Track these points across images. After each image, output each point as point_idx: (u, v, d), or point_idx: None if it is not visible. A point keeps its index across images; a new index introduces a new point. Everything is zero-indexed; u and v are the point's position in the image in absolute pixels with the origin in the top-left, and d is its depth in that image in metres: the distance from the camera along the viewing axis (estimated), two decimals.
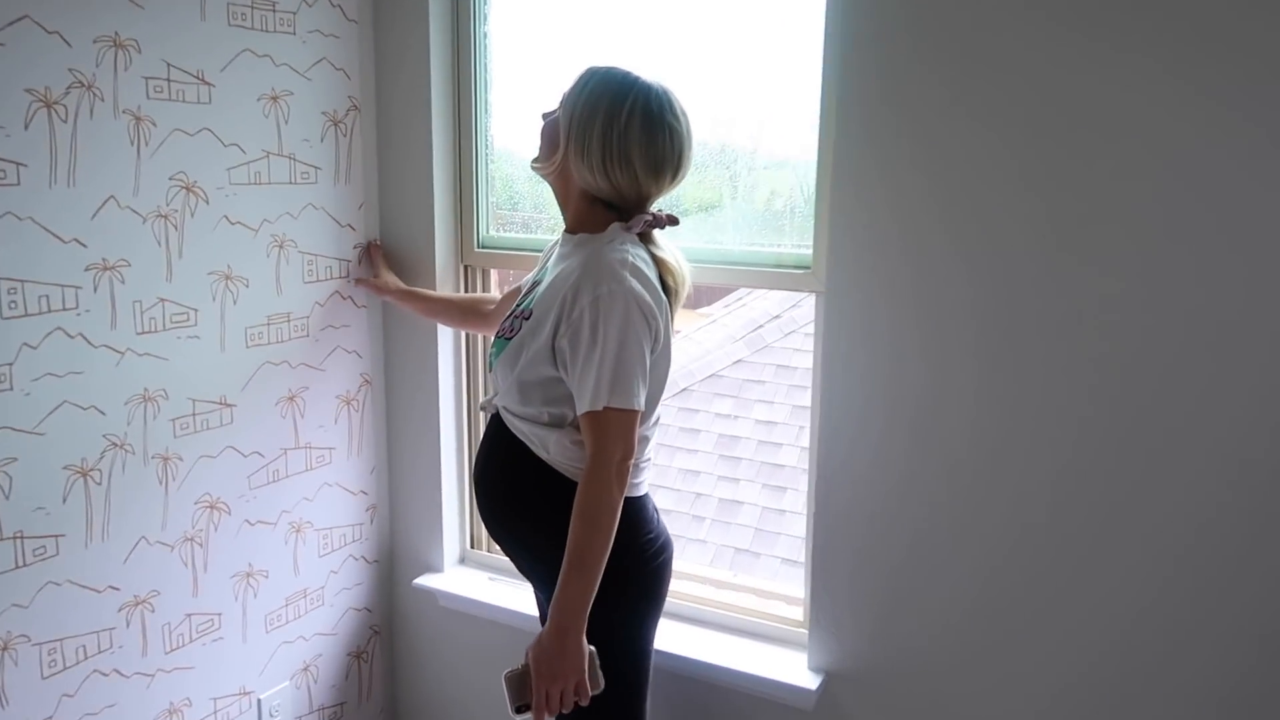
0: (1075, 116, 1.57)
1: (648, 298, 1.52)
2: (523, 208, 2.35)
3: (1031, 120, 1.61)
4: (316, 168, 2.16)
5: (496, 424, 1.70)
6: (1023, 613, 1.75)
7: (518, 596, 2.31)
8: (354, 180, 2.25)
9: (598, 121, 1.53)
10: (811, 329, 1.98)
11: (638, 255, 1.57)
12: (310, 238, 2.17)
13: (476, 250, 2.31)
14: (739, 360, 5.56)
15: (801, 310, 5.76)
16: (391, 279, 2.24)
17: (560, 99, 1.62)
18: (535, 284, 1.68)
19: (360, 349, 2.33)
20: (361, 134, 2.25)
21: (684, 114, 1.60)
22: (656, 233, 1.66)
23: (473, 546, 2.48)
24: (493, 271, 2.37)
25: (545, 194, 2.32)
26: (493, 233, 2.33)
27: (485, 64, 2.25)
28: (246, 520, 2.11)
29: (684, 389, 5.20)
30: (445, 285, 2.31)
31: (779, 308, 5.74)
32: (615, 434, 1.50)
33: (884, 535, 1.84)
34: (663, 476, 4.90)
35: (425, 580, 2.40)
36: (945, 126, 1.67)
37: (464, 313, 2.17)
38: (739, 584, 2.29)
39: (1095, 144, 1.57)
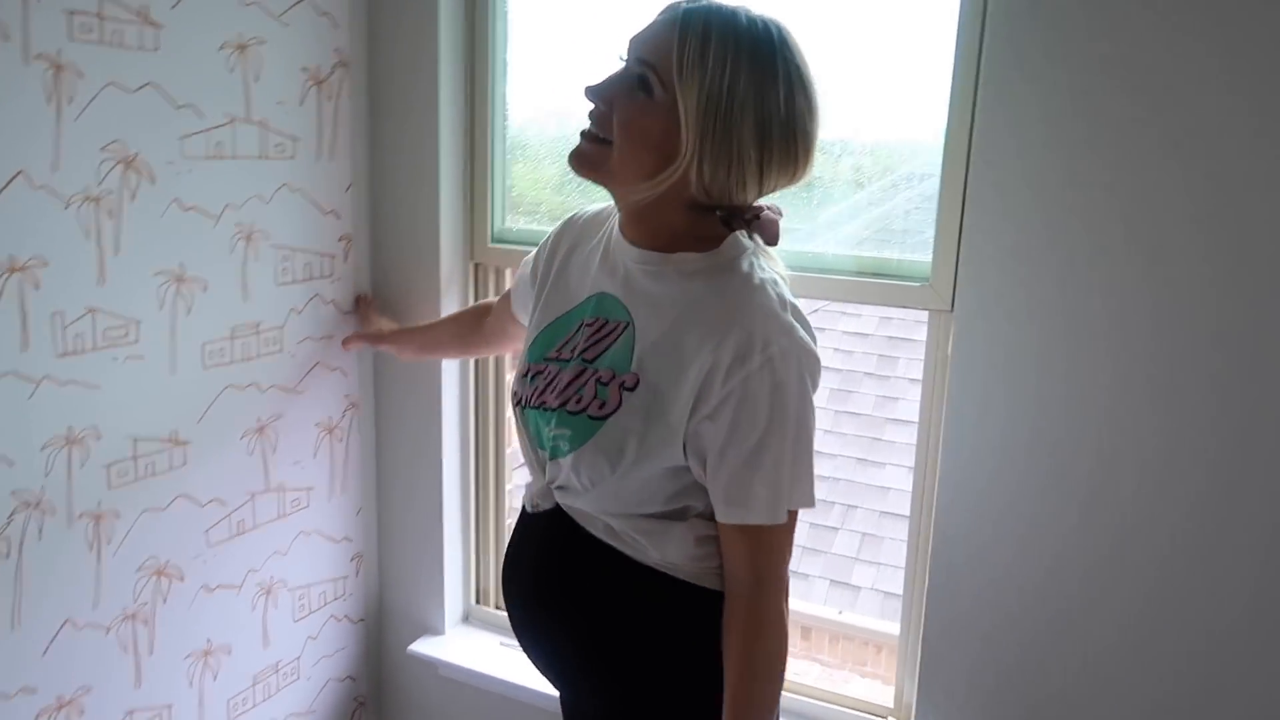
0: None
1: (815, 348, 1.07)
2: (548, 193, 1.92)
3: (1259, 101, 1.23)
4: (294, 139, 1.70)
5: (558, 524, 1.16)
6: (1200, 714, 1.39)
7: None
8: (340, 155, 1.80)
9: (749, 111, 0.98)
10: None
11: (777, 276, 1.10)
12: (285, 227, 1.71)
13: (490, 245, 1.88)
14: None
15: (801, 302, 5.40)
16: (385, 323, 1.79)
17: (655, 69, 1.00)
18: (601, 324, 1.12)
19: (345, 366, 1.89)
20: (350, 97, 1.80)
21: None
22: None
23: (479, 602, 2.06)
24: (507, 271, 1.94)
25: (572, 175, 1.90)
26: (509, 224, 1.90)
27: (504, 13, 1.81)
28: (204, 586, 1.67)
29: None
30: (451, 287, 1.87)
31: None
32: (787, 543, 1.09)
33: (1023, 628, 1.47)
34: None
35: (422, 646, 1.98)
36: (1140, 95, 1.28)
37: (461, 335, 1.68)
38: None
39: None
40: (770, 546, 1.07)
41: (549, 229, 1.87)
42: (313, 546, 1.88)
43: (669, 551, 1.11)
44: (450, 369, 1.90)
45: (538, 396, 1.15)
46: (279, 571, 1.82)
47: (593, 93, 1.06)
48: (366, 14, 1.80)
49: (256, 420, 1.72)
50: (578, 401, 1.09)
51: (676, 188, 1.03)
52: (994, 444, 1.44)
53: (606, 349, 1.11)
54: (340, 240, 1.83)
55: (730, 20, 1.01)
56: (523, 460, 1.25)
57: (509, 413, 1.99)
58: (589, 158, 1.08)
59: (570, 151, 1.10)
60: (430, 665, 1.98)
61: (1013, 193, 1.37)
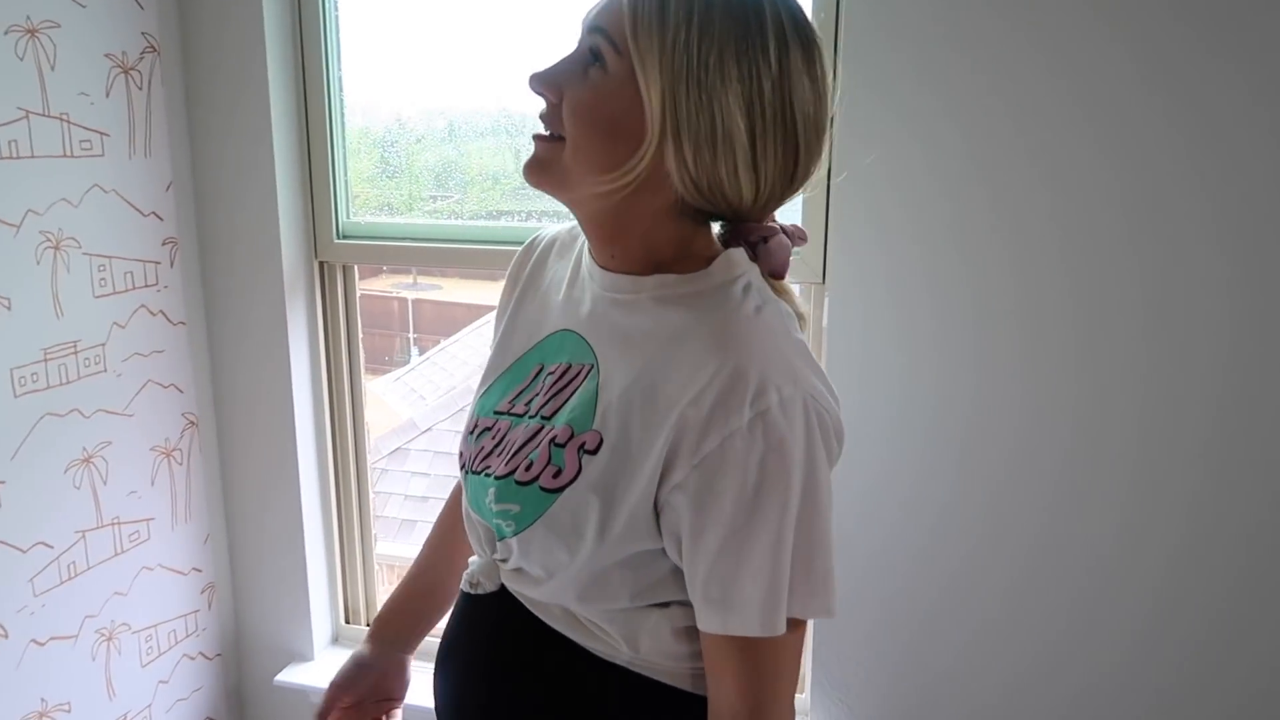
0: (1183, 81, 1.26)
1: (830, 399, 0.80)
2: (399, 181, 1.81)
3: (1124, 71, 1.28)
4: (102, 134, 1.53)
5: (503, 611, 0.90)
6: (1082, 678, 1.47)
7: (418, 683, 1.81)
8: (157, 151, 1.63)
9: (728, 65, 0.75)
10: None
11: (782, 310, 0.84)
12: (99, 233, 1.54)
13: (336, 242, 1.75)
14: None
15: None
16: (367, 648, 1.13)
17: (607, 33, 0.78)
18: (564, 370, 0.88)
19: (180, 381, 1.72)
20: (164, 85, 1.63)
21: None
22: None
23: (348, 621, 1.94)
24: (356, 269, 1.82)
25: (430, 161, 1.80)
26: (356, 218, 1.78)
27: None
28: (34, 640, 1.49)
29: None
30: (296, 289, 1.73)
31: None
32: (791, 661, 0.81)
33: (914, 589, 1.50)
34: None
35: (290, 675, 1.84)
36: (1003, 55, 1.32)
37: (451, 537, 1.12)
38: None
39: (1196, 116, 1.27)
40: (767, 667, 0.78)
41: (400, 220, 1.78)
42: (157, 582, 1.71)
43: (642, 645, 0.85)
44: (301, 367, 1.76)
45: (482, 459, 0.90)
46: (120, 614, 1.64)
47: (538, 82, 0.81)
48: None
49: (82, 450, 1.54)
50: (528, 469, 0.84)
51: (653, 186, 0.79)
52: (875, 412, 1.46)
53: (566, 401, 0.85)
54: (164, 244, 1.66)
55: None
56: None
57: (370, 415, 1.88)
58: (539, 160, 0.83)
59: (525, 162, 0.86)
60: (300, 694, 1.84)
61: (879, 159, 1.38)
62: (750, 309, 0.81)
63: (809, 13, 1.06)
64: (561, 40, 0.85)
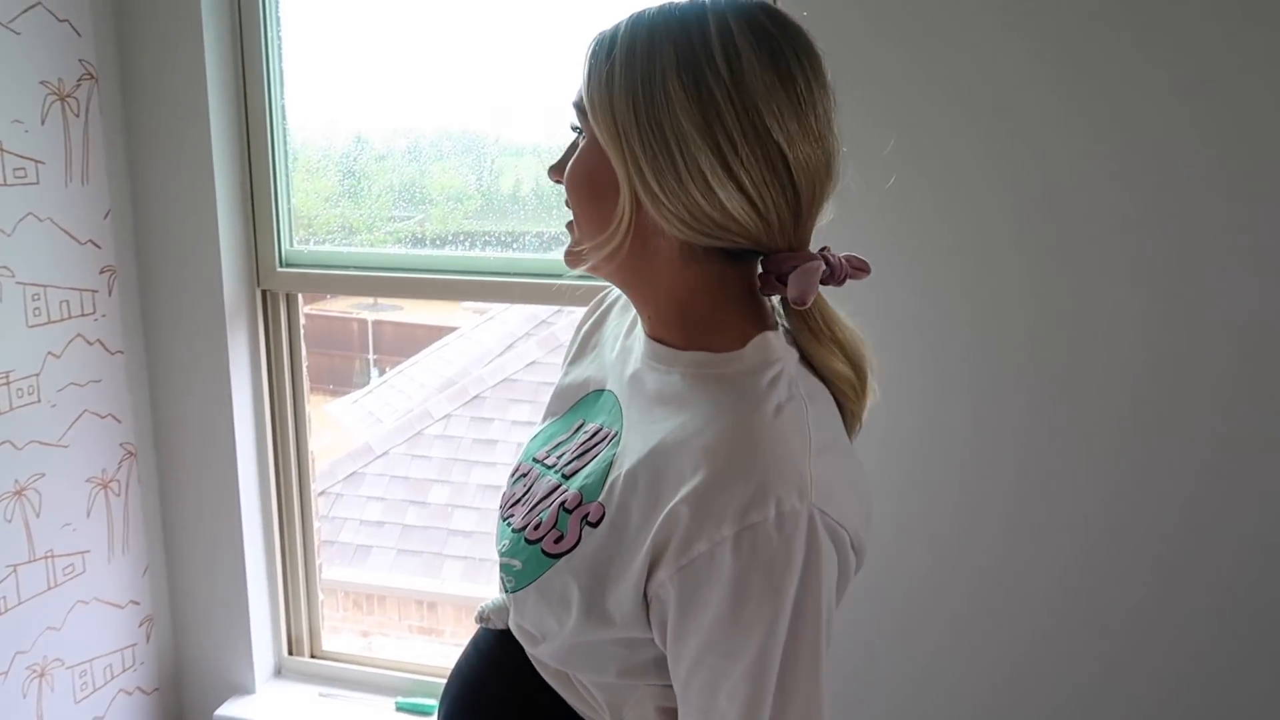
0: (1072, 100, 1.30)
1: (851, 513, 0.75)
2: (360, 201, 1.80)
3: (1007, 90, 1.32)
4: (37, 162, 1.51)
5: (505, 651, 0.89)
6: (982, 678, 1.49)
7: (361, 716, 1.79)
8: (94, 179, 1.61)
9: (673, 85, 0.72)
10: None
11: (812, 406, 0.77)
12: (34, 262, 1.52)
13: (279, 270, 1.74)
14: (533, 362, 5.14)
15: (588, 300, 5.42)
16: None
17: (578, 105, 0.79)
18: (596, 431, 0.87)
19: (118, 411, 1.70)
20: (102, 113, 1.62)
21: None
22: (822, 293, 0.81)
23: (291, 653, 1.91)
24: (300, 297, 1.80)
25: (391, 183, 1.80)
26: (299, 246, 1.77)
27: (276, 18, 1.68)
28: None
29: (475, 396, 4.77)
30: (239, 318, 1.72)
31: (560, 300, 5.37)
32: None
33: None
34: (460, 494, 4.45)
35: (231, 709, 1.81)
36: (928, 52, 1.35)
37: None
38: None
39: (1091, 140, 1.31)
40: None
41: (344, 249, 1.78)
42: (93, 616, 1.68)
43: (625, 717, 0.83)
44: (242, 395, 1.74)
45: (510, 505, 0.90)
46: (53, 649, 1.61)
47: (550, 172, 0.84)
48: (114, 21, 1.62)
49: (14, 482, 1.52)
50: (536, 528, 0.82)
51: (649, 234, 0.77)
52: None
53: (587, 464, 0.83)
54: (102, 273, 1.64)
55: (640, 14, 0.77)
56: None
57: (314, 444, 1.87)
58: (569, 245, 0.84)
59: None
60: None
61: None
62: (771, 408, 0.75)
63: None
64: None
